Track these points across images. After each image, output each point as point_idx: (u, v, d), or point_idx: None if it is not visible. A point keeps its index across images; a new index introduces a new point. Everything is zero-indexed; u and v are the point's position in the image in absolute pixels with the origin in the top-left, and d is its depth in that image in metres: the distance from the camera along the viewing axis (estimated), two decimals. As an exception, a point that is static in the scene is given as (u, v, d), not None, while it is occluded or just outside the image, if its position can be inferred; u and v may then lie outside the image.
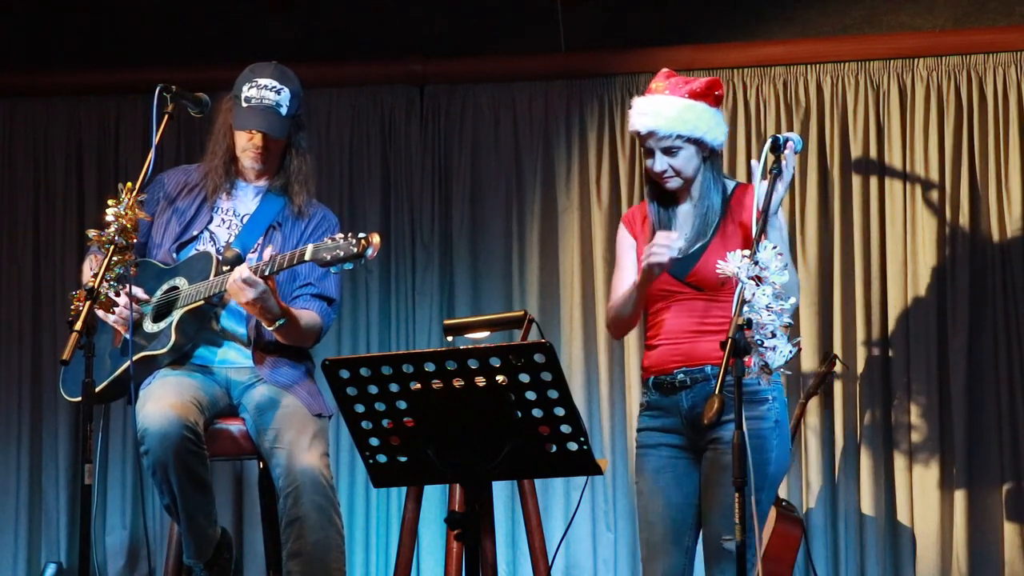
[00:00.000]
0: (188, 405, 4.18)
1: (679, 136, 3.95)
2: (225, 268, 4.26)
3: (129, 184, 4.18)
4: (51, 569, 6.07)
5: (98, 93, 6.42)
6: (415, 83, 6.34)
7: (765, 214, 3.77)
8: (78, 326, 3.80)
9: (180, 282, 4.34)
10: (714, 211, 3.99)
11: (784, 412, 3.95)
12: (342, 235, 4.06)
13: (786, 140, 3.86)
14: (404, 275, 6.28)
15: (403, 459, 3.57)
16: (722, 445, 3.86)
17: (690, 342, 3.93)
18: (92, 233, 4.23)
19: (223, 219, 4.47)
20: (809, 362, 5.97)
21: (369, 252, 4.02)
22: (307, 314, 4.36)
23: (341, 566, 4.27)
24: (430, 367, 3.42)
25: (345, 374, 3.48)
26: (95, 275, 3.99)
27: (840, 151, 6.04)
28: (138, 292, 4.32)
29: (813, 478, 5.93)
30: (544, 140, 6.27)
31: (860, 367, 5.96)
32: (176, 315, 4.28)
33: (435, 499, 5.79)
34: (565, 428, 3.44)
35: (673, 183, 4.00)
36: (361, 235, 4.03)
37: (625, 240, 4.12)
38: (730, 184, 4.06)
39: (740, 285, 3.60)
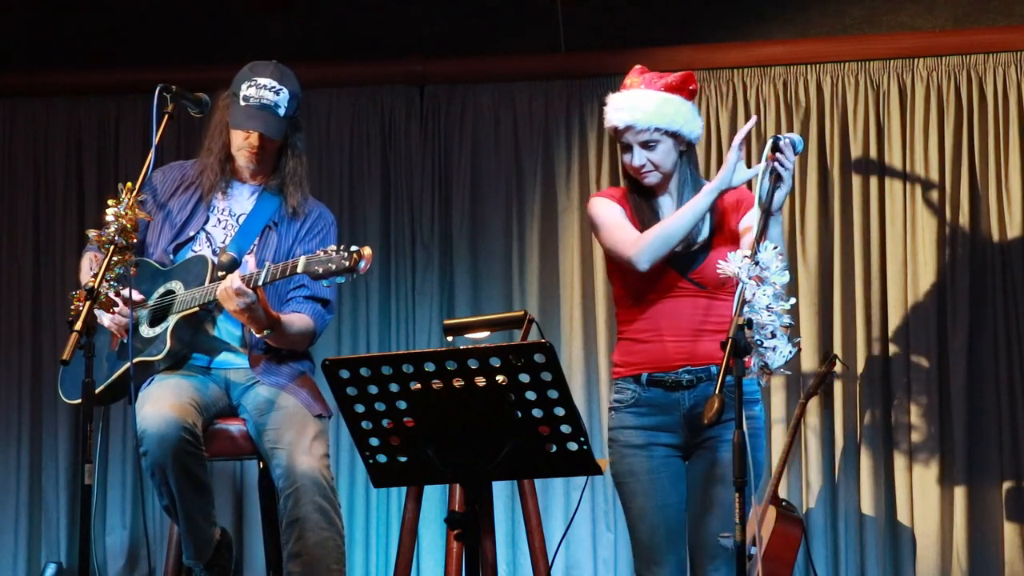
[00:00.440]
0: (186, 407, 4.18)
1: (657, 129, 3.95)
2: (220, 273, 4.26)
3: (129, 184, 4.18)
4: (51, 569, 6.07)
5: (98, 93, 6.42)
6: (415, 83, 6.34)
7: (766, 215, 3.77)
8: (78, 326, 3.80)
9: (176, 286, 4.33)
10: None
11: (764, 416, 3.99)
12: (334, 247, 4.01)
13: (787, 140, 3.87)
14: (404, 275, 6.28)
15: (403, 459, 3.57)
16: (719, 443, 3.86)
17: (695, 340, 3.90)
18: (92, 233, 4.23)
19: (219, 219, 4.46)
20: (809, 362, 5.97)
21: (361, 265, 3.98)
22: (299, 319, 4.34)
23: (341, 567, 4.27)
24: (430, 367, 3.42)
25: (345, 374, 3.48)
26: (95, 275, 3.99)
27: (840, 151, 6.04)
28: (134, 295, 4.31)
29: (813, 478, 5.93)
30: (544, 140, 6.27)
31: (860, 367, 5.96)
32: (171, 321, 4.27)
33: (435, 499, 5.79)
34: (565, 428, 3.44)
35: (652, 178, 3.98)
36: (353, 248, 3.99)
37: (612, 205, 4.03)
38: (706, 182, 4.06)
39: (740, 285, 3.60)
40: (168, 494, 4.18)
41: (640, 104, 3.95)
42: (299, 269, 4.04)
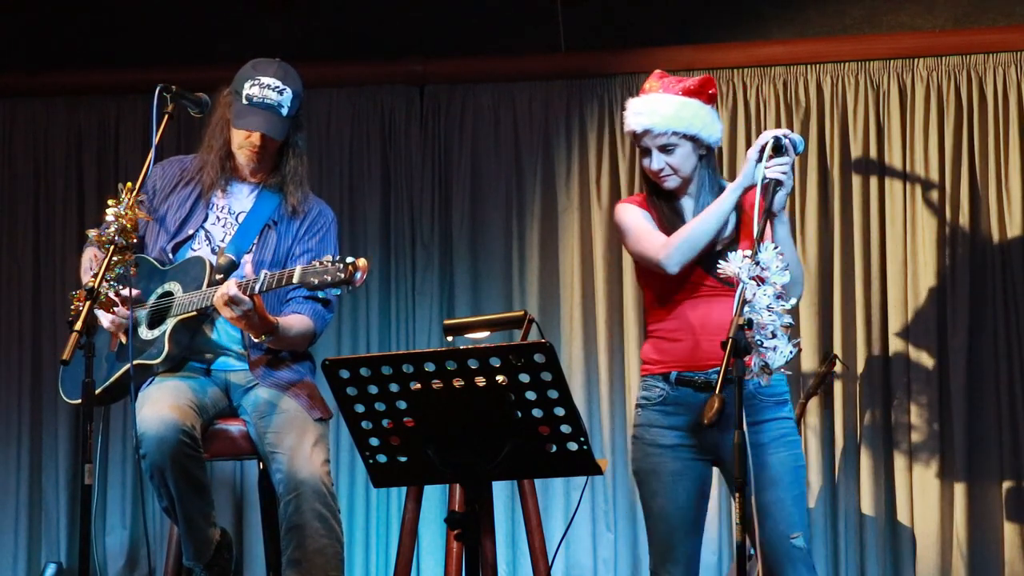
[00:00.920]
0: (185, 409, 4.18)
1: (675, 133, 3.95)
2: (219, 276, 4.25)
3: (129, 184, 4.17)
4: (51, 569, 6.07)
5: (98, 93, 6.42)
6: (415, 83, 6.34)
7: (766, 215, 3.77)
8: (78, 326, 3.80)
9: (174, 287, 4.32)
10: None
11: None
12: (330, 258, 3.99)
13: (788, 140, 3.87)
14: (404, 275, 6.28)
15: (403, 459, 3.57)
16: (762, 447, 3.86)
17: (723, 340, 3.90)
18: (92, 233, 4.23)
19: (218, 217, 4.45)
20: (809, 362, 5.97)
21: (357, 277, 3.97)
22: (298, 322, 4.33)
23: (340, 574, 4.27)
24: (430, 367, 3.41)
25: (345, 374, 3.48)
26: (95, 275, 3.99)
27: (840, 151, 6.04)
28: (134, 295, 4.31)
29: (813, 478, 5.93)
30: (544, 140, 6.27)
31: (860, 367, 5.96)
32: (169, 324, 4.27)
33: (435, 499, 5.79)
34: (565, 428, 3.44)
35: (671, 182, 3.99)
36: (349, 260, 3.97)
37: (637, 210, 4.04)
38: (727, 184, 4.06)
39: (741, 285, 3.60)
40: (167, 496, 4.18)
41: (658, 108, 3.96)
42: (295, 279, 4.02)
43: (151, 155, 4.32)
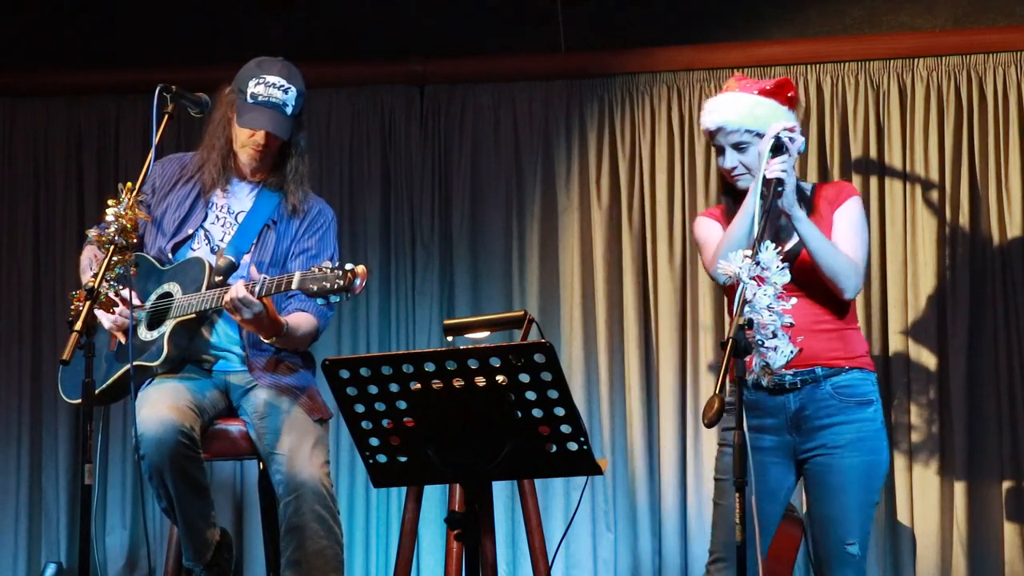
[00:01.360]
0: (184, 410, 4.18)
1: (748, 131, 3.96)
2: (217, 278, 4.25)
3: (129, 184, 4.17)
4: (51, 569, 6.07)
5: (98, 93, 6.42)
6: (415, 83, 6.34)
7: (766, 215, 3.77)
8: (78, 326, 3.80)
9: (173, 288, 4.32)
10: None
11: (882, 413, 3.98)
12: (329, 265, 3.99)
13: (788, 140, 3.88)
14: (404, 275, 6.28)
15: (403, 459, 3.57)
16: (836, 450, 3.86)
17: (799, 343, 3.86)
18: (92, 233, 4.23)
19: (217, 216, 4.45)
20: (809, 362, 5.97)
21: (357, 283, 3.97)
22: (305, 321, 4.33)
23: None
24: (430, 367, 3.42)
25: (345, 374, 3.48)
26: (95, 275, 3.99)
27: (840, 151, 6.04)
28: (135, 299, 4.30)
29: (813, 478, 5.92)
30: (544, 140, 6.27)
31: (860, 367, 5.95)
32: (168, 326, 4.27)
33: (435, 499, 5.79)
34: (565, 428, 3.44)
35: (743, 181, 3.98)
36: (348, 267, 3.97)
37: (709, 223, 4.06)
38: (807, 185, 4.06)
39: (741, 285, 3.60)
40: (166, 497, 4.18)
41: (732, 106, 3.97)
42: (293, 285, 4.02)
43: (151, 155, 4.32)
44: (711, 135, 4.01)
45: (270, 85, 4.33)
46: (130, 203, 4.12)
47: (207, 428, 4.31)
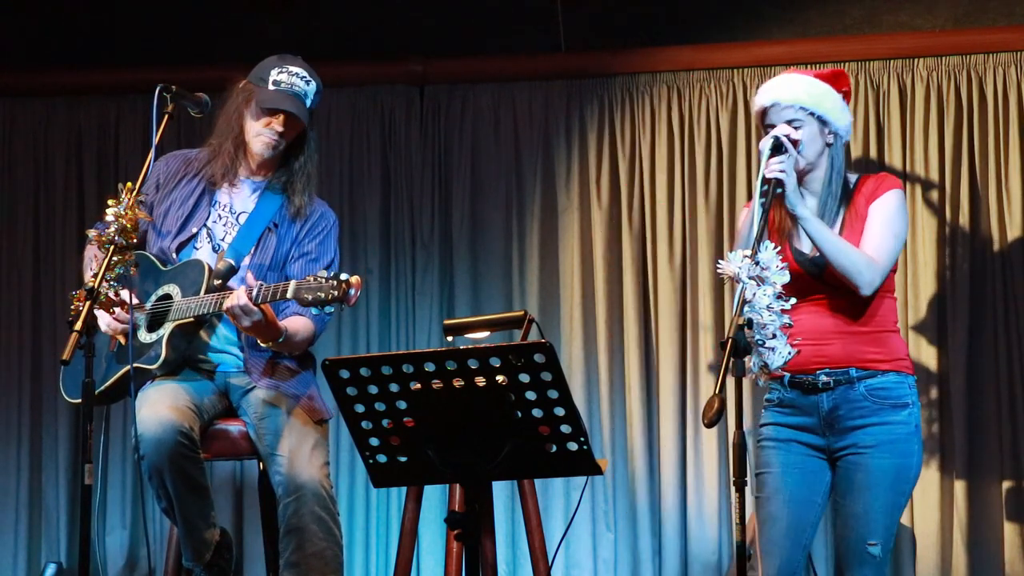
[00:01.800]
0: (183, 410, 4.17)
1: (802, 108, 3.94)
2: (216, 282, 4.25)
3: (129, 184, 4.17)
4: (51, 569, 6.07)
5: (98, 93, 6.42)
6: (415, 83, 6.34)
7: (765, 215, 3.77)
8: (78, 326, 3.80)
9: (173, 290, 4.32)
10: (834, 201, 3.96)
11: (920, 417, 3.97)
12: (324, 275, 3.98)
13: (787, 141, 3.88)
14: (404, 275, 6.28)
15: (403, 459, 3.57)
16: (866, 449, 3.86)
17: (831, 343, 3.89)
18: (92, 233, 4.23)
19: (220, 215, 4.44)
20: (809, 362, 5.97)
21: (352, 293, 3.97)
22: (303, 326, 4.31)
23: None
24: (430, 367, 3.42)
25: (345, 374, 3.48)
26: (95, 275, 3.98)
27: (840, 151, 6.04)
28: (133, 300, 4.29)
29: (813, 478, 5.92)
30: (544, 140, 6.27)
31: (860, 367, 5.95)
32: (167, 329, 4.26)
33: (435, 499, 5.79)
34: (565, 428, 3.44)
35: (799, 161, 3.94)
36: (343, 277, 3.96)
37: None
38: (852, 177, 4.04)
39: (741, 285, 3.60)
40: (166, 497, 4.17)
41: (787, 83, 3.99)
42: (288, 294, 4.02)
43: (151, 155, 4.32)
44: (762, 115, 3.98)
45: (293, 74, 4.39)
46: (130, 203, 4.11)
47: (207, 428, 4.31)
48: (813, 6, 6.17)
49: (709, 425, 3.55)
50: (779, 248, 3.71)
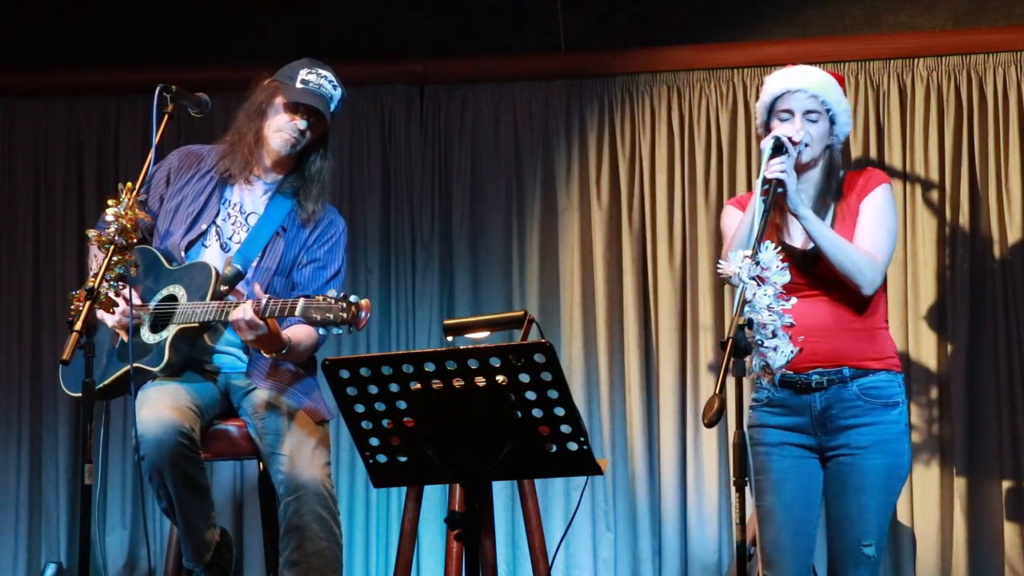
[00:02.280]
0: (184, 410, 4.17)
1: (824, 101, 3.95)
2: (223, 287, 4.26)
3: (129, 184, 4.17)
4: (51, 569, 6.07)
5: (98, 93, 6.42)
6: (415, 83, 6.34)
7: (765, 216, 3.77)
8: (78, 326, 3.80)
9: (179, 292, 4.31)
10: (829, 198, 3.96)
11: (908, 415, 3.97)
12: (334, 296, 3.98)
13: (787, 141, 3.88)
14: (404, 275, 6.28)
15: (403, 459, 3.57)
16: (858, 450, 3.86)
17: (823, 341, 3.87)
18: (92, 233, 4.23)
19: (229, 213, 4.44)
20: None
21: (362, 316, 3.97)
22: (306, 336, 4.30)
23: None
24: (430, 367, 3.42)
25: (345, 374, 3.48)
26: (95, 275, 3.98)
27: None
28: (134, 298, 4.29)
29: (813, 478, 5.92)
30: (544, 140, 6.27)
31: (860, 367, 5.95)
32: (171, 332, 4.26)
33: (435, 499, 5.79)
34: (565, 428, 3.44)
35: (804, 155, 3.94)
36: (352, 299, 3.96)
37: (734, 213, 4.04)
38: (840, 172, 4.05)
39: (741, 285, 3.60)
40: (166, 497, 4.17)
41: (811, 73, 3.98)
42: (297, 312, 4.01)
43: (151, 155, 4.32)
44: (777, 100, 3.96)
45: (322, 77, 4.41)
46: (130, 203, 4.11)
47: (207, 428, 4.31)
48: (813, 6, 6.17)
49: (709, 425, 3.55)
50: (779, 248, 3.71)
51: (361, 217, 6.25)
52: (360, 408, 3.52)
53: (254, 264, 4.36)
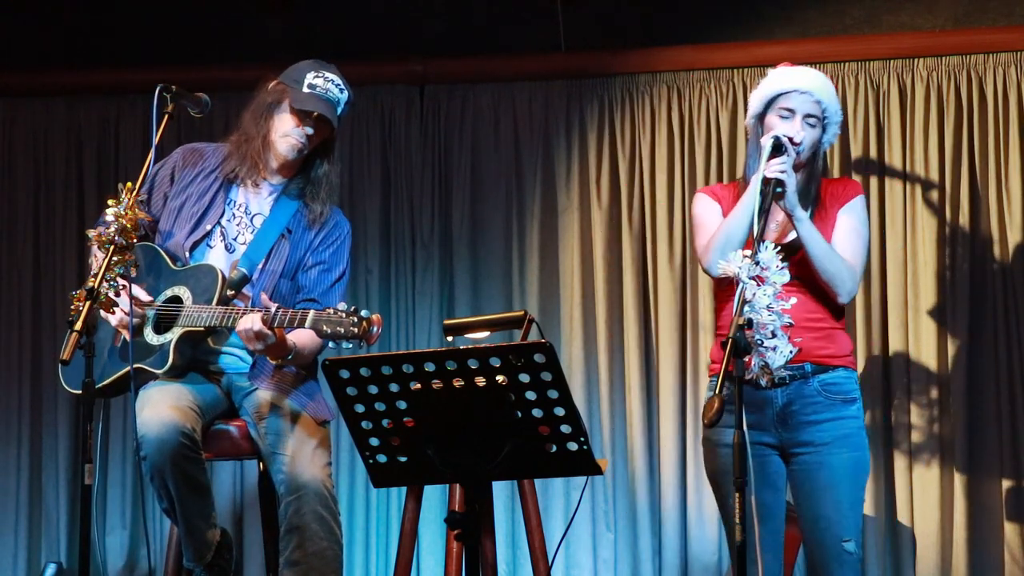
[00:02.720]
0: (185, 410, 4.17)
1: (824, 109, 3.96)
2: (229, 292, 4.26)
3: (129, 184, 4.17)
4: (51, 569, 6.07)
5: (98, 93, 6.42)
6: (415, 83, 6.34)
7: (765, 215, 3.78)
8: (78, 326, 3.80)
9: (184, 293, 4.31)
10: (808, 203, 3.97)
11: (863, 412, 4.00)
12: (344, 310, 3.97)
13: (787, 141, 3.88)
14: (404, 275, 6.28)
15: (403, 459, 3.57)
16: (825, 447, 3.86)
17: (797, 343, 3.85)
18: (92, 233, 4.23)
19: (234, 213, 4.44)
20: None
21: (374, 331, 3.96)
22: (311, 341, 4.28)
23: None
24: (430, 367, 3.42)
25: (345, 374, 3.48)
26: (95, 275, 3.98)
27: (840, 151, 6.04)
28: (140, 293, 4.29)
29: (813, 478, 5.92)
30: (544, 140, 6.27)
31: (860, 367, 5.95)
32: (176, 334, 4.26)
33: (435, 499, 5.79)
34: (565, 428, 3.44)
35: (802, 157, 3.95)
36: (364, 313, 3.95)
37: (709, 203, 4.04)
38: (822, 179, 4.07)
39: (741, 285, 3.60)
40: (167, 497, 4.17)
41: (816, 77, 3.99)
42: (307, 324, 4.01)
43: (151, 155, 4.32)
44: (779, 97, 3.96)
45: (329, 80, 4.40)
46: (130, 203, 4.11)
47: (208, 428, 4.31)
48: (813, 6, 6.17)
49: (709, 425, 3.56)
50: (779, 248, 3.71)
51: (361, 217, 6.25)
52: (360, 408, 3.52)
53: (260, 266, 4.36)
